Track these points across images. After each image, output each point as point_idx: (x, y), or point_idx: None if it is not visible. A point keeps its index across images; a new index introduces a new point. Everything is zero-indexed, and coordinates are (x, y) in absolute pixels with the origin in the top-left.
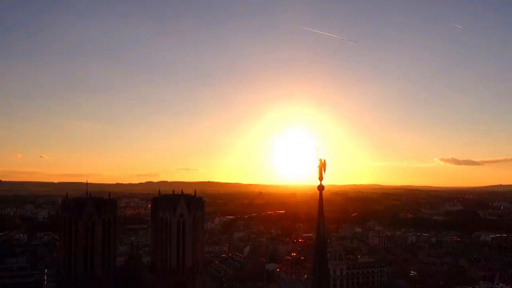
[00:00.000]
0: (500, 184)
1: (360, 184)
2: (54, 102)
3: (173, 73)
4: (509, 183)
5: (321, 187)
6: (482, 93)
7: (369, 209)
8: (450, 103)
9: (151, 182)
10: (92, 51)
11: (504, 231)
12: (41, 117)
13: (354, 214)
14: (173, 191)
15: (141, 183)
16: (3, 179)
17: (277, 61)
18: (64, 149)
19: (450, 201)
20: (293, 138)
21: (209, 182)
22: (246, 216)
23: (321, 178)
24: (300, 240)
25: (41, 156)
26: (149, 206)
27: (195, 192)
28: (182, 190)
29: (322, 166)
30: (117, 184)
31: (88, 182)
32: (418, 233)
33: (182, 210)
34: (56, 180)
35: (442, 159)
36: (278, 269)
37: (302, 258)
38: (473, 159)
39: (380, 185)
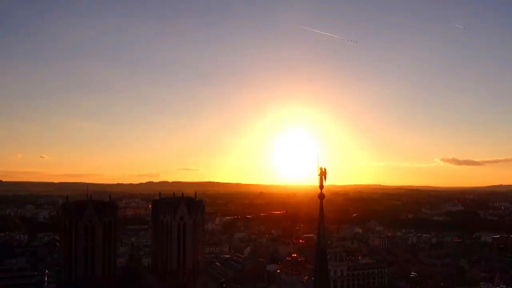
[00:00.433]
0: (501, 184)
1: (361, 184)
2: (54, 102)
3: (173, 73)
4: (509, 183)
5: (321, 196)
6: (483, 93)
7: (370, 209)
8: (451, 103)
9: (152, 182)
10: (92, 51)
11: (504, 231)
12: (41, 117)
13: (354, 215)
14: (174, 194)
15: (142, 183)
16: (3, 179)
17: (277, 61)
18: (65, 149)
19: (451, 201)
20: (293, 138)
21: (209, 182)
22: (246, 217)
23: (321, 187)
24: (300, 241)
25: (41, 156)
26: (150, 206)
27: (195, 194)
28: (182, 193)
29: (323, 175)
30: (118, 184)
31: (89, 182)
32: (419, 234)
33: (182, 213)
34: (56, 180)
35: (442, 159)
36: (278, 270)
37: (302, 259)
38: (474, 159)
39: (380, 185)
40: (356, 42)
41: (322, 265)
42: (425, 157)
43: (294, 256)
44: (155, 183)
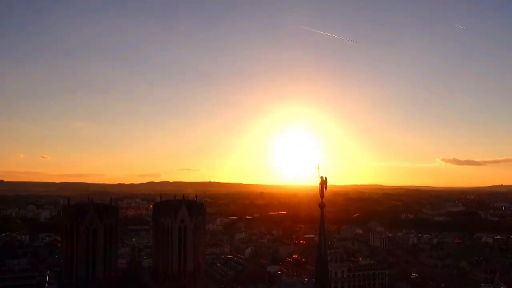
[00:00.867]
0: (501, 185)
1: (361, 184)
2: (55, 102)
3: (173, 73)
4: (510, 183)
5: (322, 205)
6: (483, 93)
7: (370, 210)
8: (451, 103)
9: (153, 182)
10: (92, 51)
11: (505, 232)
12: (42, 117)
13: (355, 215)
14: (175, 196)
15: (143, 183)
16: (4, 180)
17: (277, 62)
18: (66, 150)
19: (451, 201)
20: (294, 138)
21: (210, 182)
22: (247, 217)
23: (322, 196)
24: (301, 241)
25: (42, 157)
26: (151, 206)
27: (196, 197)
28: (183, 196)
29: (323, 184)
30: (119, 185)
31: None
32: (419, 235)
33: (183, 216)
34: (57, 180)
35: (443, 159)
36: (279, 271)
37: (303, 260)
38: (474, 159)
39: (381, 185)
40: (357, 42)
41: (323, 273)
42: (426, 157)
43: (295, 257)
44: (156, 183)
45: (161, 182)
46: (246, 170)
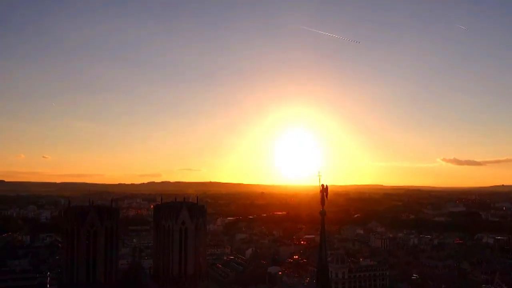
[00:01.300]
0: (502, 185)
1: (362, 185)
2: (56, 102)
3: (174, 73)
4: (511, 183)
5: (323, 213)
6: (484, 93)
7: (371, 210)
8: (452, 103)
9: (154, 182)
10: (92, 51)
11: (506, 232)
12: (43, 117)
13: (356, 215)
14: (175, 199)
15: (144, 184)
16: (5, 180)
17: (278, 62)
18: (67, 150)
19: (452, 201)
20: (294, 138)
21: (211, 182)
22: (248, 217)
23: (323, 203)
24: (302, 242)
25: (43, 157)
26: (152, 207)
27: (197, 199)
28: (184, 198)
29: (324, 192)
30: (119, 185)
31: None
32: (420, 235)
33: (184, 218)
34: (58, 181)
35: (444, 159)
36: (280, 272)
37: (304, 261)
38: (475, 159)
39: (382, 185)
40: (358, 42)
41: (324, 281)
42: (426, 157)
43: (295, 257)
44: (157, 183)
45: (162, 182)
46: (246, 170)
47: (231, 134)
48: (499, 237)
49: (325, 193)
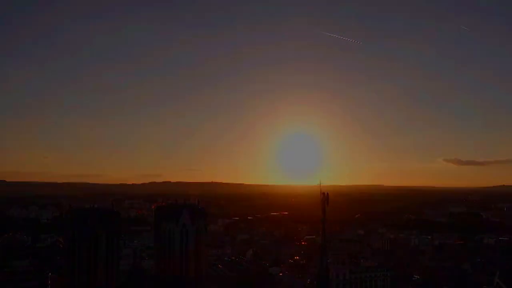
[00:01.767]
0: (503, 185)
1: (363, 184)
2: (57, 102)
3: (177, 74)
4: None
5: (323, 221)
6: (486, 94)
7: (372, 211)
8: (454, 104)
9: (155, 182)
10: (94, 51)
11: (507, 233)
12: (44, 117)
13: (357, 216)
14: (176, 201)
15: (145, 184)
16: (7, 179)
17: (280, 63)
18: (68, 150)
19: (453, 202)
20: (296, 138)
21: (212, 182)
22: (249, 218)
23: (324, 212)
24: (303, 242)
25: (45, 157)
26: (153, 207)
27: (198, 202)
28: (185, 201)
29: (325, 200)
30: (121, 185)
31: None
32: (421, 236)
33: (184, 220)
34: (60, 181)
35: (445, 160)
36: (281, 273)
37: (304, 262)
38: (477, 160)
39: (383, 185)
40: (360, 43)
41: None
42: (428, 157)
43: (296, 258)
44: (158, 183)
45: (163, 182)
46: (248, 170)
47: (232, 134)
48: (500, 238)
49: (326, 201)
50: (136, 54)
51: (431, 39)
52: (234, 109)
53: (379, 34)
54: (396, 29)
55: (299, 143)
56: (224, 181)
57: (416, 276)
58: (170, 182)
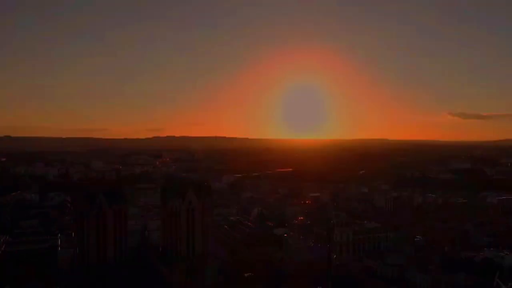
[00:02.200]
0: (509, 139)
1: (368, 138)
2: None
3: (176, 27)
4: None
5: (330, 249)
6: (492, 46)
7: (376, 167)
8: (460, 56)
9: (158, 137)
10: (98, 9)
11: (510, 191)
12: (47, 71)
13: (361, 172)
14: (181, 179)
15: (148, 138)
16: (12, 135)
17: (286, 14)
18: (72, 104)
19: (458, 157)
20: (301, 91)
21: (216, 136)
22: (253, 174)
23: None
24: (307, 201)
25: (48, 112)
26: (157, 164)
27: (203, 181)
28: (191, 181)
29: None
30: (125, 140)
31: (95, 137)
32: (425, 194)
33: (191, 198)
34: (64, 135)
35: (450, 113)
36: (286, 234)
37: (309, 222)
38: (482, 113)
39: (387, 139)
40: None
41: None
42: (432, 111)
43: (300, 219)
44: (162, 138)
45: (166, 136)
46: (252, 124)
47: (236, 87)
48: (503, 197)
49: (331, 231)
50: (138, 12)
51: None
52: (238, 62)
53: None
54: None
55: (304, 97)
56: (228, 135)
57: (418, 237)
58: (174, 136)
